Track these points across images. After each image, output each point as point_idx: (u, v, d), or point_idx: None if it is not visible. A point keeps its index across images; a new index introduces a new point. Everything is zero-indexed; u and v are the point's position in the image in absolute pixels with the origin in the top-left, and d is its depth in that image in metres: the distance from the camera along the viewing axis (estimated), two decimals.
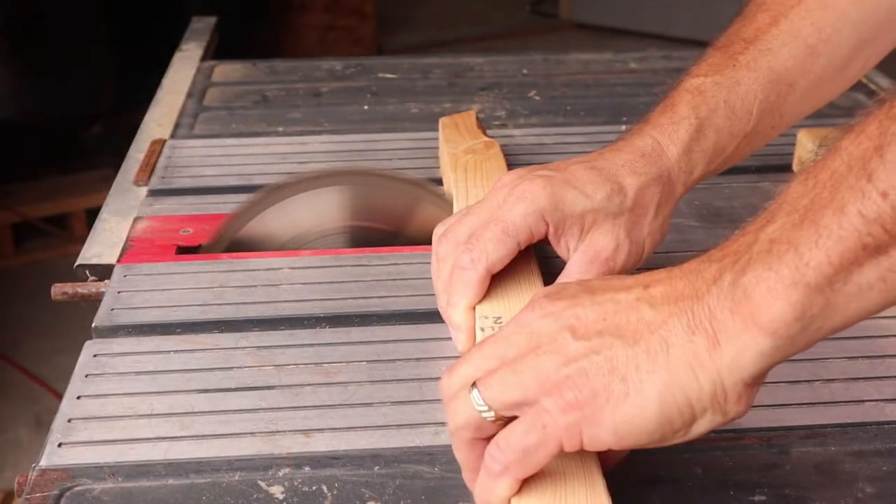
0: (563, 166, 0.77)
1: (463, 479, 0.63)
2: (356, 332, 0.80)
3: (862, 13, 0.80)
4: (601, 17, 4.44)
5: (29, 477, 0.66)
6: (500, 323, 0.72)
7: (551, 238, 0.75)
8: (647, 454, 0.67)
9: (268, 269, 0.88)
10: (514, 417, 0.57)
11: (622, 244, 0.75)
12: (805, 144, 1.03)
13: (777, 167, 1.07)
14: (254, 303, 0.84)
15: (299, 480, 0.66)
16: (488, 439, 0.58)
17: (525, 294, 0.74)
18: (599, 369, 0.55)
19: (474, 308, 0.74)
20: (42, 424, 2.23)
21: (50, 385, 2.34)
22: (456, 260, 0.74)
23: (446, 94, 1.28)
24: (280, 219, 0.94)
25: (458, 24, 4.67)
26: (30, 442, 2.21)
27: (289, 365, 0.77)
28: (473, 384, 0.58)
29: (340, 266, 0.89)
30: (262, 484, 0.65)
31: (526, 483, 0.58)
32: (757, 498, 0.64)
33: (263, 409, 0.72)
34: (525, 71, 1.35)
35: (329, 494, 0.64)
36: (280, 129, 1.19)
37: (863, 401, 0.72)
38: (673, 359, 0.54)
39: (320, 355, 0.78)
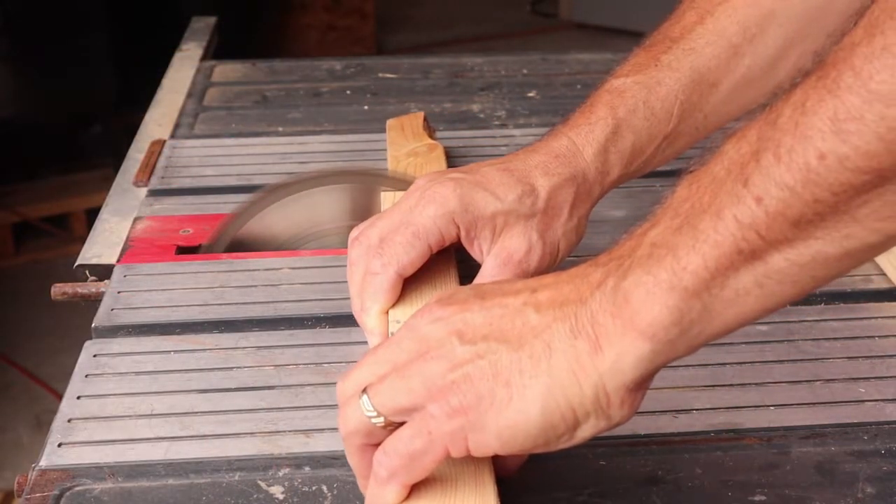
0: (476, 168, 0.77)
1: None
2: (356, 332, 0.80)
3: (790, 12, 0.79)
4: (601, 17, 4.43)
5: (29, 477, 0.66)
6: None
7: (464, 241, 0.75)
8: (646, 454, 0.67)
9: (268, 269, 0.88)
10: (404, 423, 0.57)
11: (535, 246, 0.75)
12: None
13: None
14: (254, 303, 0.84)
15: (299, 480, 0.66)
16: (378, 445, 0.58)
17: None
18: (484, 374, 0.55)
19: (387, 312, 0.73)
20: (42, 424, 2.23)
21: (50, 385, 2.34)
22: (367, 265, 0.74)
23: (446, 94, 1.28)
24: (280, 219, 0.94)
25: (458, 24, 4.66)
26: (30, 442, 2.21)
27: (289, 365, 0.77)
28: (365, 390, 0.57)
29: (340, 266, 0.89)
30: (262, 484, 0.65)
31: (416, 489, 0.57)
32: (757, 498, 0.64)
33: (263, 409, 0.72)
34: (525, 71, 1.35)
35: (329, 494, 0.64)
36: (280, 129, 1.19)
37: (863, 401, 0.72)
38: (555, 363, 0.54)
39: (320, 355, 0.78)
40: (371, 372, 0.58)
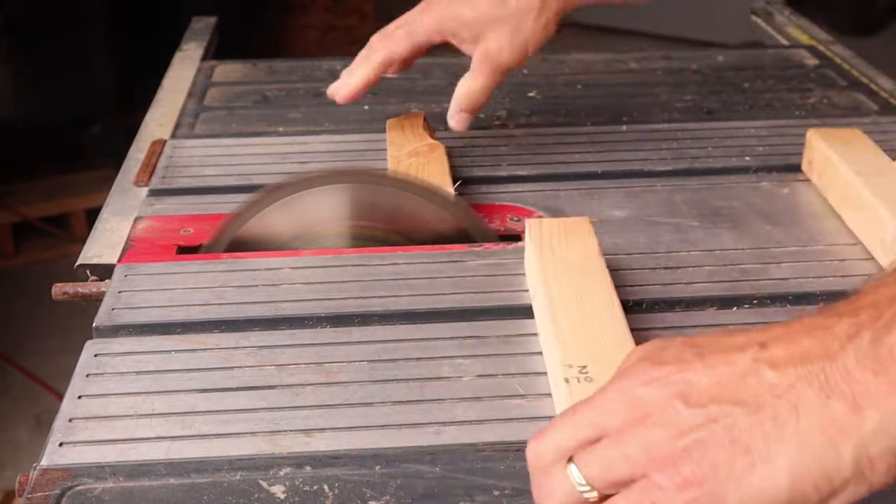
0: None
1: (463, 479, 0.63)
2: (357, 332, 0.80)
3: None
4: (601, 17, 4.43)
5: (30, 476, 0.66)
6: (587, 373, 0.68)
7: (458, 46, 0.98)
8: None
9: (268, 269, 0.88)
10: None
11: (504, 46, 0.96)
12: (815, 144, 1.03)
13: (778, 167, 1.07)
14: (254, 302, 0.84)
15: (300, 480, 0.66)
16: None
17: (609, 342, 0.72)
18: (719, 440, 0.50)
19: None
20: (42, 424, 2.23)
21: (50, 385, 2.33)
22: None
23: (446, 94, 1.27)
24: (280, 219, 0.94)
25: None
26: (30, 442, 2.21)
27: (290, 364, 0.77)
28: (570, 458, 0.53)
29: (341, 266, 0.89)
30: (264, 483, 0.65)
31: None
32: None
33: (264, 408, 0.72)
34: (525, 71, 1.34)
35: (330, 494, 0.64)
36: (280, 128, 1.19)
37: None
38: (804, 426, 0.49)
39: (321, 355, 0.78)
40: (571, 436, 0.54)
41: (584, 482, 0.52)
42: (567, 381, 0.68)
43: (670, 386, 0.53)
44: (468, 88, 1.01)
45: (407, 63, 1.05)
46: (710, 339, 0.56)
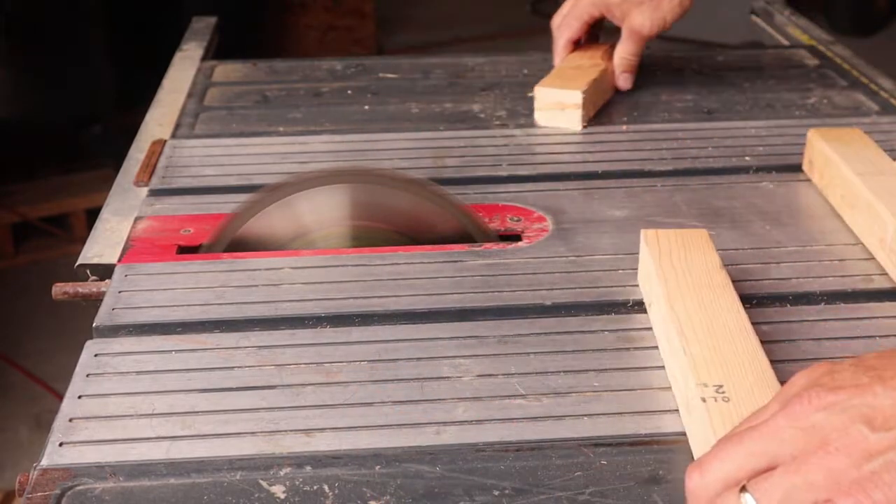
0: None
1: (463, 479, 0.63)
2: (357, 332, 0.80)
3: None
4: None
5: (30, 476, 0.66)
6: (723, 392, 0.67)
7: (610, 19, 1.23)
8: (646, 454, 0.67)
9: (268, 269, 0.88)
10: None
11: (646, 22, 1.20)
12: (815, 144, 1.03)
13: (778, 167, 1.07)
14: (254, 302, 0.84)
15: (300, 480, 0.66)
16: None
17: (742, 361, 0.70)
18: None
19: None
20: (42, 424, 2.23)
21: (50, 385, 2.34)
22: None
23: (446, 94, 1.28)
24: (280, 219, 0.94)
25: (458, 24, 4.66)
26: (30, 442, 2.21)
27: (290, 364, 0.77)
28: (743, 488, 0.52)
29: (341, 266, 0.89)
30: (264, 483, 0.65)
31: None
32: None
33: (265, 408, 0.72)
34: (525, 71, 1.35)
35: (330, 494, 0.64)
36: (280, 129, 1.19)
37: None
38: None
39: (321, 355, 0.78)
40: (741, 466, 0.53)
41: None
42: (704, 400, 0.66)
43: (851, 410, 0.52)
44: (622, 55, 1.25)
45: (581, 38, 1.28)
46: (882, 360, 0.54)
